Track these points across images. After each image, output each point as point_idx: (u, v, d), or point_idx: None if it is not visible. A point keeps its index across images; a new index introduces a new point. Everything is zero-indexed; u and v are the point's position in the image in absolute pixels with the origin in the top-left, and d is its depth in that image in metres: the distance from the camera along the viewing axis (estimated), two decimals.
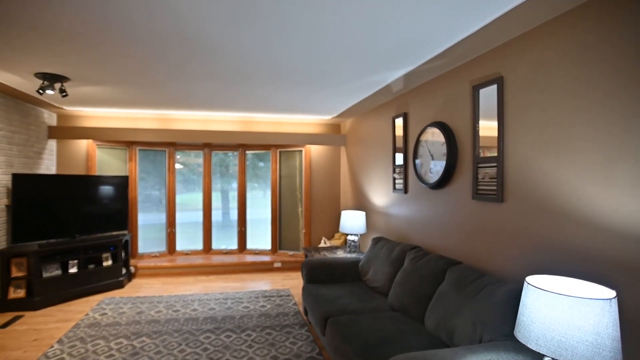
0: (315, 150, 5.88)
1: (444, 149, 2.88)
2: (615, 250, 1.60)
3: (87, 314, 3.70)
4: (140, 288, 4.64)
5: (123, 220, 4.95)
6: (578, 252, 1.78)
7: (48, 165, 4.82)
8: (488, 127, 2.42)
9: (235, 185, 6.00)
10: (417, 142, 3.31)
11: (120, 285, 4.61)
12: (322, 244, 5.21)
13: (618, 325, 1.32)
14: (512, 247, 2.21)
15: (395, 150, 3.82)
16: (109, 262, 4.58)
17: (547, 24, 1.97)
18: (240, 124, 5.61)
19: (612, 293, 1.37)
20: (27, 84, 3.48)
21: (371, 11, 1.95)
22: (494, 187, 2.35)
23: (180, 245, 5.79)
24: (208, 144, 5.85)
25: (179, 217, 5.78)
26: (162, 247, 5.68)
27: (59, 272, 4.13)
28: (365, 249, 4.67)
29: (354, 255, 4.25)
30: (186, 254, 5.76)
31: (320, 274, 3.53)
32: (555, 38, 1.91)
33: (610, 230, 1.62)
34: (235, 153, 5.99)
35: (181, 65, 2.91)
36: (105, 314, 3.72)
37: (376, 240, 3.65)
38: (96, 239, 4.54)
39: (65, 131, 4.83)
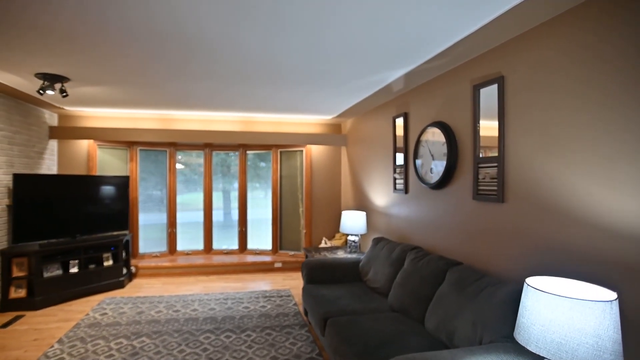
0: (316, 150, 5.87)
1: (444, 149, 2.87)
2: (617, 251, 1.59)
3: (87, 314, 3.70)
4: (141, 288, 4.64)
5: (124, 220, 4.95)
6: (579, 252, 1.77)
7: (49, 165, 4.83)
8: (489, 127, 2.40)
9: (236, 185, 6.00)
10: (418, 142, 3.30)
11: (121, 285, 4.62)
12: (322, 244, 5.21)
13: (619, 327, 1.31)
14: (513, 248, 2.20)
15: (395, 150, 3.81)
16: (110, 262, 4.59)
17: (546, 23, 1.96)
18: (241, 124, 5.61)
19: (613, 295, 1.36)
20: (28, 85, 3.48)
21: (371, 11, 1.94)
22: (495, 188, 2.34)
23: (181, 246, 5.79)
24: (209, 144, 5.85)
25: (180, 217, 5.79)
26: (163, 247, 5.69)
27: (59, 272, 4.14)
28: (366, 250, 4.66)
29: (354, 255, 4.24)
30: (187, 254, 5.76)
31: (321, 275, 3.53)
32: (555, 37, 1.90)
33: (612, 231, 1.61)
34: (237, 153, 5.99)
35: (181, 65, 2.90)
36: (106, 313, 3.72)
37: (377, 241, 3.64)
38: (97, 239, 4.55)
39: (66, 131, 4.84)
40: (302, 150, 5.85)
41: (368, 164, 4.70)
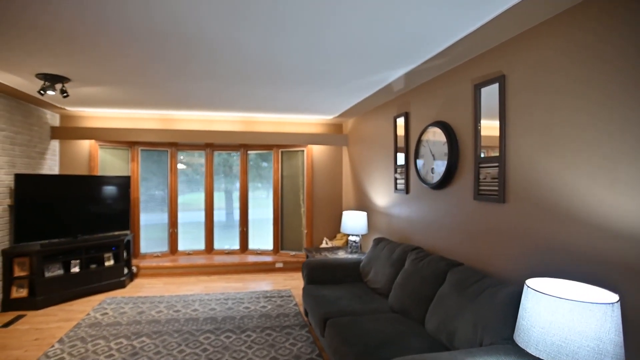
0: (317, 150, 5.86)
1: (445, 149, 2.85)
2: (618, 251, 1.57)
3: (88, 314, 3.71)
4: (142, 288, 4.64)
5: (125, 220, 4.96)
6: (580, 253, 1.75)
7: (51, 166, 4.84)
8: (490, 127, 2.39)
9: (238, 185, 6.00)
10: (419, 141, 3.29)
11: (122, 285, 4.62)
12: (323, 245, 5.20)
13: (621, 330, 1.29)
14: (514, 248, 2.18)
15: (396, 150, 3.80)
16: (111, 262, 4.59)
17: (546, 23, 1.94)
18: (242, 124, 5.61)
19: (614, 297, 1.35)
20: (29, 85, 3.49)
21: (371, 10, 1.93)
22: (496, 188, 2.32)
23: (182, 246, 5.79)
24: (210, 144, 5.85)
25: (182, 217, 5.79)
26: (165, 247, 5.69)
27: (61, 271, 4.15)
28: (367, 250, 4.65)
29: (355, 255, 4.23)
30: (188, 254, 5.76)
31: (321, 275, 3.52)
32: (554, 37, 1.88)
33: (613, 231, 1.59)
34: (238, 153, 5.99)
35: (181, 65, 2.90)
36: (107, 313, 3.72)
37: (377, 241, 3.62)
38: (98, 239, 4.56)
39: (68, 131, 4.85)
40: (303, 150, 5.84)
41: (369, 164, 4.69)
